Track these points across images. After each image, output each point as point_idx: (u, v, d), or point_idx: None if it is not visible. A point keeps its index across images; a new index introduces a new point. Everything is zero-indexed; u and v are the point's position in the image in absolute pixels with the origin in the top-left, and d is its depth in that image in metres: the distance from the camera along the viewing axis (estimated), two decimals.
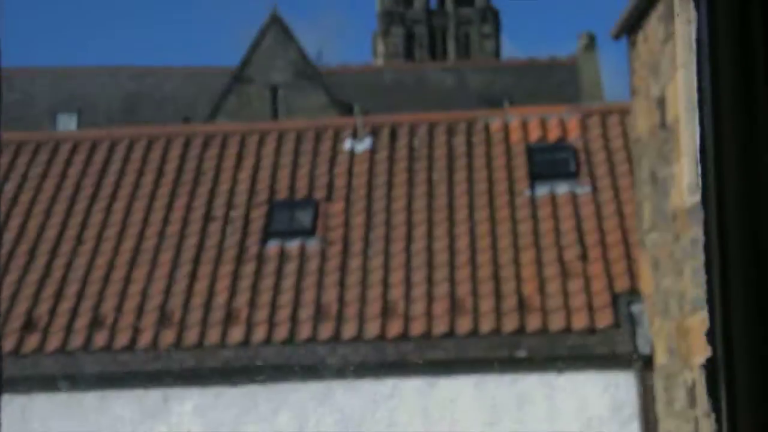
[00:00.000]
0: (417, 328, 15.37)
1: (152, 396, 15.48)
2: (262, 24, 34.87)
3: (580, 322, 15.20)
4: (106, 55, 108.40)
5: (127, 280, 16.49)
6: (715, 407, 1.80)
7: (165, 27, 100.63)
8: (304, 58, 34.69)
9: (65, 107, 40.26)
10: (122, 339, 15.68)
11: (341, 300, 15.78)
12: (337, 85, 37.59)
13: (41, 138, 19.83)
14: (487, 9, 53.01)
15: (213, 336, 15.65)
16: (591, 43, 41.57)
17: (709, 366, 1.82)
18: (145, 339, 15.66)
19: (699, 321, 12.32)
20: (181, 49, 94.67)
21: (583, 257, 16.06)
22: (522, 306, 15.41)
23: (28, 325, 15.99)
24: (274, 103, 34.20)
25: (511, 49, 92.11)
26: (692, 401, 12.87)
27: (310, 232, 16.93)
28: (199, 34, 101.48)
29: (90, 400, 15.55)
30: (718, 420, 1.80)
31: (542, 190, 17.26)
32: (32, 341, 15.82)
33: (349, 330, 15.46)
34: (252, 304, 15.88)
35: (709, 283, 1.84)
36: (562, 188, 17.27)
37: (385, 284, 15.95)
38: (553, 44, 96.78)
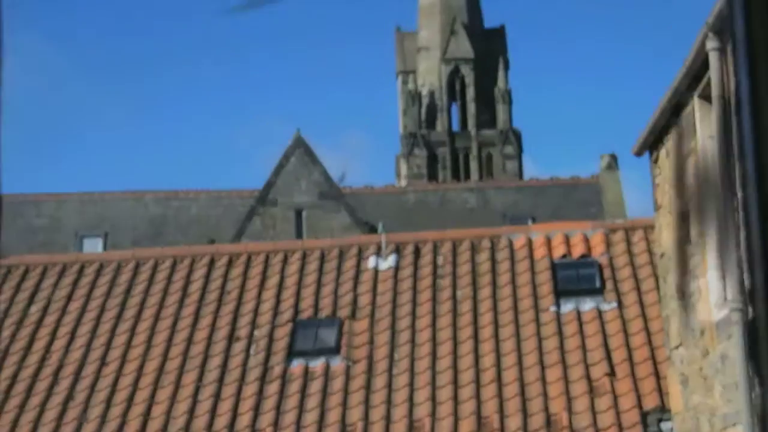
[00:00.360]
0: None
1: None
2: (286, 147, 35.18)
3: None
4: (131, 180, 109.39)
5: (151, 401, 16.39)
6: None
7: (190, 152, 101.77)
8: (328, 180, 34.91)
9: (91, 231, 40.47)
10: None
11: (366, 419, 15.62)
12: (360, 206, 37.76)
13: (67, 260, 19.92)
14: (509, 131, 53.34)
15: None
16: (613, 162, 41.71)
17: None
18: None
19: None
20: (205, 173, 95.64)
21: (611, 374, 15.89)
22: (549, 424, 15.21)
23: None
24: (298, 224, 34.33)
25: (533, 170, 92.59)
26: None
27: (334, 351, 16.84)
28: (224, 158, 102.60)
29: None
30: None
31: (568, 307, 17.16)
32: None
33: None
34: (276, 424, 15.74)
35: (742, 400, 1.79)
36: (588, 304, 17.18)
37: (411, 402, 15.79)
38: (575, 165, 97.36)
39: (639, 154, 15.74)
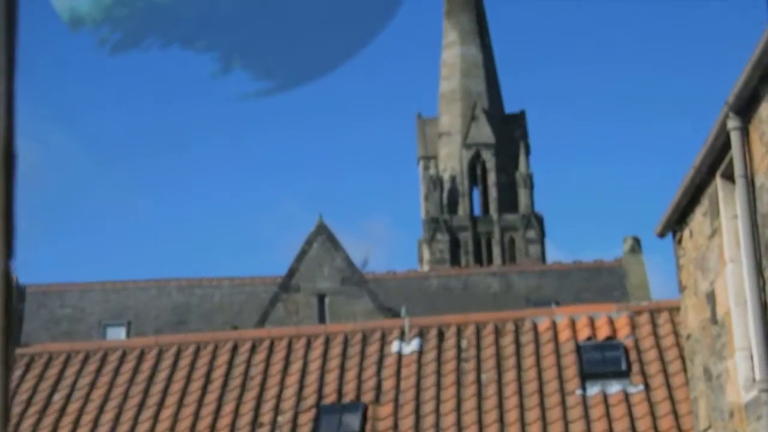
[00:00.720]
0: None
1: None
2: (309, 233, 35.26)
3: None
4: (155, 268, 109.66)
5: None
6: None
7: (212, 238, 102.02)
8: (351, 266, 34.92)
9: (115, 320, 40.53)
10: None
11: None
12: (383, 292, 37.72)
13: (90, 348, 19.89)
14: (531, 215, 53.36)
15: None
16: (636, 245, 41.62)
17: None
18: None
19: None
20: (228, 259, 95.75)
21: None
22: None
23: None
24: (321, 310, 34.30)
25: (556, 254, 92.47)
26: None
27: None
28: (247, 243, 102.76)
29: None
30: None
31: (594, 390, 17.01)
32: None
33: None
34: None
35: None
36: (614, 387, 17.02)
37: None
38: (598, 247, 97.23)
39: (662, 235, 15.70)
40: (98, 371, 18.93)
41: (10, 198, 1.53)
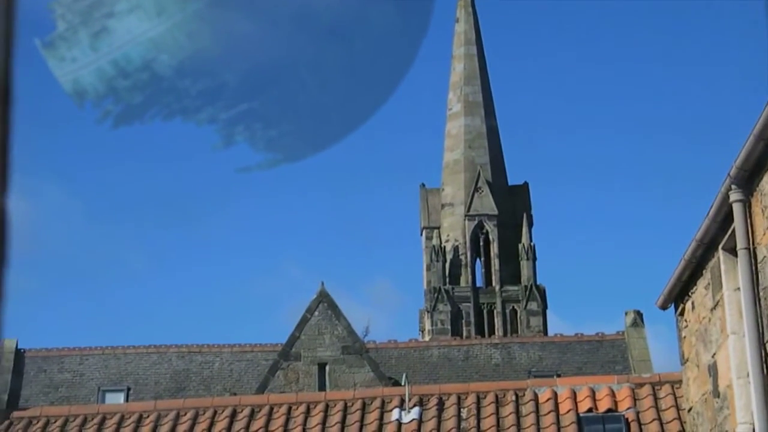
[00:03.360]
0: None
1: None
2: (310, 301, 35.21)
3: None
4: (154, 333, 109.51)
5: None
6: None
7: (213, 303, 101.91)
8: (352, 334, 34.82)
9: (114, 386, 40.39)
10: None
11: None
12: (384, 361, 37.59)
13: (88, 412, 19.80)
14: (533, 287, 53.29)
15: None
16: (638, 319, 41.55)
17: None
18: None
19: None
20: (229, 324, 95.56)
21: None
22: None
23: None
24: (321, 379, 34.15)
25: (558, 326, 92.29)
26: None
27: None
28: (248, 307, 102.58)
29: None
30: None
31: None
32: None
33: None
34: None
35: None
36: None
37: None
38: (601, 319, 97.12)
39: (664, 307, 15.68)
40: None
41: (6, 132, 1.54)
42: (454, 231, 54.94)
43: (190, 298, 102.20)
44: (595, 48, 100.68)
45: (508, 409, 18.18)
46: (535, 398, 18.39)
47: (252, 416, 18.75)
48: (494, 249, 54.07)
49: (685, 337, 15.20)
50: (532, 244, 54.11)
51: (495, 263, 53.94)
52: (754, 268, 11.92)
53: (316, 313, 34.74)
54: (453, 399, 18.57)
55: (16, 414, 19.67)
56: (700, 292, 14.19)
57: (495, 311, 53.07)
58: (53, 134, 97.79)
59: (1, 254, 1.52)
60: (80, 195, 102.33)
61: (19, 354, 41.25)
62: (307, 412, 18.69)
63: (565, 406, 18.10)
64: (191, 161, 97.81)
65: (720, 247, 13.09)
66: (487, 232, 54.46)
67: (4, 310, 1.57)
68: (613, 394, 18.24)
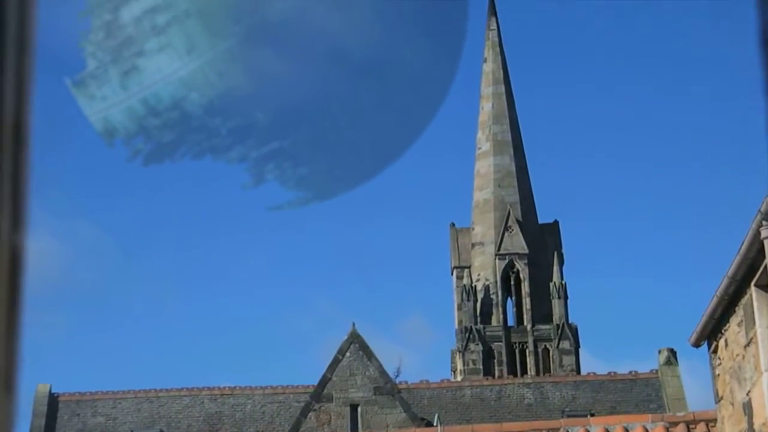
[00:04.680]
0: None
1: None
2: (342, 342, 35.18)
3: None
4: (187, 374, 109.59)
5: None
6: None
7: (244, 344, 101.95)
8: (384, 375, 34.74)
9: (147, 429, 40.44)
10: None
11: None
12: (416, 402, 37.44)
13: None
14: (565, 325, 53.06)
15: None
16: (672, 357, 41.26)
17: None
18: None
19: None
20: (262, 364, 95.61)
21: None
22: None
23: None
24: (353, 420, 34.06)
25: (591, 364, 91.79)
26: None
27: None
28: (282, 346, 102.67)
29: None
30: None
31: None
32: None
33: None
34: None
35: None
36: None
37: None
38: (634, 357, 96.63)
39: (697, 345, 15.57)
40: None
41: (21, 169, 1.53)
42: (484, 270, 54.83)
43: (223, 336, 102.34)
44: (624, 84, 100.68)
45: None
46: None
47: None
48: (525, 288, 53.91)
49: (719, 374, 15.08)
50: (563, 282, 53.93)
51: (526, 302, 53.76)
52: None
53: (348, 353, 34.69)
54: None
55: None
56: (733, 329, 14.09)
57: (527, 350, 52.82)
58: (85, 172, 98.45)
59: (16, 296, 1.52)
60: (113, 232, 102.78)
61: (52, 398, 41.39)
62: None
63: None
64: (222, 198, 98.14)
65: (752, 283, 13.01)
66: (518, 270, 54.32)
67: (20, 353, 1.57)
68: None
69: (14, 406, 1.56)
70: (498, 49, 58.87)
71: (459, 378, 49.24)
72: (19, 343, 1.52)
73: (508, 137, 57.02)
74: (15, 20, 1.55)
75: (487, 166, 56.80)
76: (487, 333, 53.02)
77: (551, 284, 53.75)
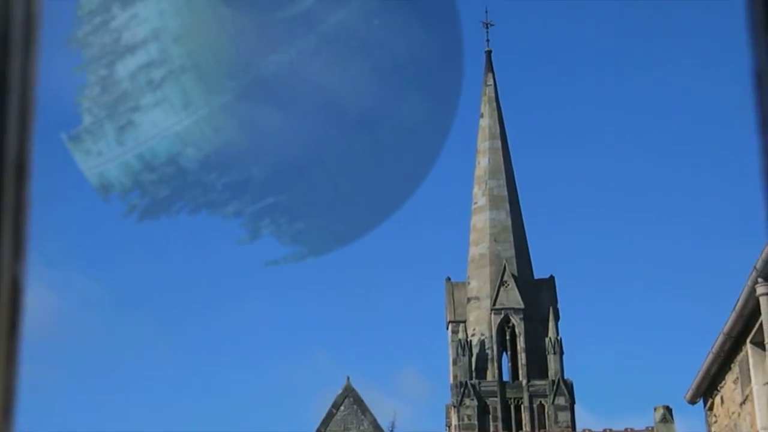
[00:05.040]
0: None
1: None
2: (336, 395, 35.03)
3: None
4: (180, 427, 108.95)
5: None
6: None
7: (240, 398, 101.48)
8: (378, 429, 34.57)
9: None
10: None
11: None
12: None
13: None
14: (560, 381, 52.89)
15: None
16: (668, 414, 41.13)
17: None
18: None
19: None
20: (256, 420, 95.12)
21: None
22: None
23: None
24: None
25: (586, 421, 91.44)
26: None
27: None
28: (275, 400, 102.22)
29: None
30: None
31: None
32: None
33: None
34: None
35: None
36: None
37: None
38: (630, 413, 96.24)
39: (693, 402, 15.52)
40: None
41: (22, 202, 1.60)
42: (480, 325, 54.73)
43: (218, 390, 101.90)
44: (620, 142, 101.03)
45: None
46: None
47: None
48: (521, 343, 53.79)
49: None
50: (559, 337, 53.83)
51: (522, 357, 53.61)
52: None
53: (342, 407, 34.54)
54: None
55: None
56: (729, 386, 14.05)
57: (522, 406, 52.61)
58: (80, 226, 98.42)
59: (16, 323, 1.56)
60: (107, 285, 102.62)
61: None
62: None
63: None
64: (217, 253, 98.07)
65: (748, 340, 12.99)
66: (514, 326, 54.23)
67: (18, 381, 1.60)
68: None
69: None
70: (494, 104, 59.13)
71: None
72: (18, 370, 1.56)
73: (504, 192, 57.13)
74: (18, 68, 1.60)
75: (483, 220, 56.85)
76: (482, 388, 52.81)
77: (547, 340, 53.64)
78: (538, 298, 55.11)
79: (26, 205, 1.57)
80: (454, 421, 51.99)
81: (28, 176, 1.57)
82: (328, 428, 34.54)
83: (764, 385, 12.68)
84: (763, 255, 11.61)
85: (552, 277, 56.45)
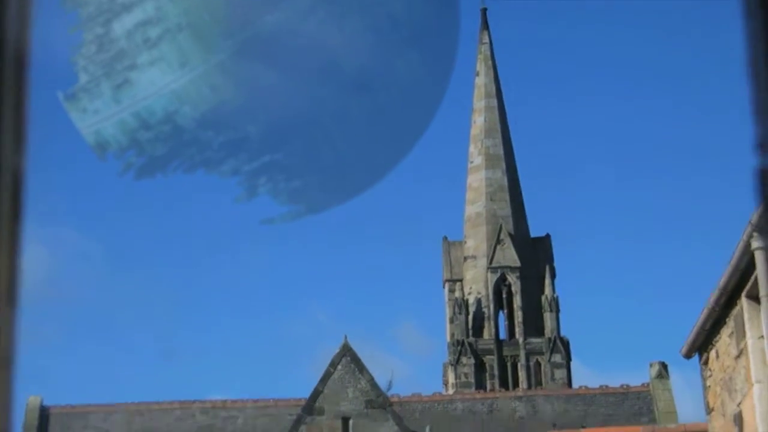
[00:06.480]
0: None
1: None
2: (333, 355, 35.17)
3: None
4: (179, 390, 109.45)
5: None
6: None
7: (237, 355, 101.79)
8: (375, 388, 34.72)
9: None
10: None
11: None
12: (408, 415, 37.38)
13: None
14: (557, 339, 53.11)
15: None
16: (663, 370, 41.31)
17: None
18: None
19: None
20: (254, 377, 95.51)
21: None
22: None
23: None
24: None
25: (582, 378, 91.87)
26: None
27: None
28: (273, 361, 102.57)
29: None
30: None
31: None
32: None
33: None
34: None
35: None
36: None
37: None
38: (626, 370, 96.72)
39: (688, 356, 15.61)
40: None
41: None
42: (476, 283, 54.89)
43: (215, 348, 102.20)
44: (617, 99, 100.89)
45: None
46: None
47: None
48: (517, 301, 53.97)
49: (709, 386, 15.11)
50: (555, 295, 54.00)
51: (518, 315, 53.81)
52: None
53: (339, 366, 34.68)
54: None
55: None
56: (724, 340, 14.13)
57: (519, 364, 52.85)
58: (75, 184, 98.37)
59: (18, 213, 1.62)
60: (103, 243, 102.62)
61: (43, 411, 41.29)
62: None
63: None
64: (214, 212, 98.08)
65: (743, 294, 13.06)
66: (510, 284, 54.37)
67: (21, 259, 1.66)
68: None
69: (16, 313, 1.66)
70: (490, 62, 58.99)
71: (451, 391, 49.22)
72: (22, 255, 1.62)
73: (500, 151, 57.12)
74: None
75: (479, 179, 56.87)
76: (479, 346, 53.02)
77: (543, 298, 53.82)
78: (535, 257, 55.24)
79: (26, 98, 1.62)
80: (451, 379, 52.23)
81: (28, 66, 1.62)
82: (325, 387, 34.68)
83: (759, 338, 12.76)
84: (759, 208, 11.65)
85: (548, 236, 56.55)
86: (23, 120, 1.66)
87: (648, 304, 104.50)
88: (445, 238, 56.90)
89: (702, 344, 15.03)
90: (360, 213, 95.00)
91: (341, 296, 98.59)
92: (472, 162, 57.55)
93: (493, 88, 58.40)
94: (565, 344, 52.96)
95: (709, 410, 15.30)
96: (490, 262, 54.57)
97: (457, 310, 53.85)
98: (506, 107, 58.56)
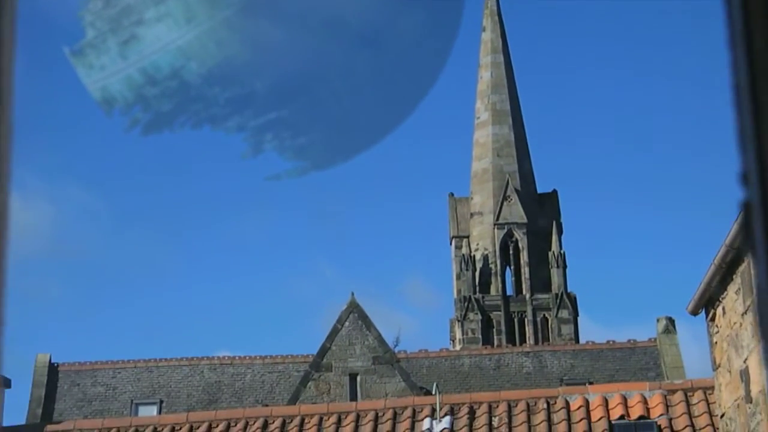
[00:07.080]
0: None
1: None
2: (341, 311, 35.26)
3: None
4: (187, 347, 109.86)
5: None
6: None
7: (245, 317, 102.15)
8: (383, 344, 34.83)
9: (147, 399, 40.59)
10: None
11: None
12: (415, 371, 37.56)
13: (121, 425, 19.89)
14: (563, 295, 53.17)
15: None
16: (670, 326, 41.38)
17: None
18: None
19: None
20: (262, 334, 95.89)
21: None
22: None
23: None
24: (352, 389, 34.17)
25: (589, 333, 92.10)
26: None
27: None
28: (281, 317, 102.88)
29: None
30: None
31: None
32: None
33: None
34: None
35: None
36: None
37: None
38: (633, 325, 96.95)
39: (695, 313, 15.62)
40: None
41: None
42: (483, 240, 54.90)
43: (223, 305, 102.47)
44: (623, 56, 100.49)
45: (539, 417, 18.15)
46: (567, 406, 18.34)
47: (283, 427, 18.79)
48: (524, 257, 54.00)
49: (716, 342, 15.13)
50: (562, 251, 54.01)
51: (525, 271, 53.86)
52: None
53: (347, 323, 34.77)
54: (484, 408, 18.55)
55: (50, 428, 19.77)
56: (731, 297, 14.14)
57: (526, 319, 52.97)
58: (81, 140, 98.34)
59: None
60: (108, 200, 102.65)
61: (52, 368, 41.52)
62: (339, 423, 18.71)
63: (597, 413, 18.05)
64: (220, 168, 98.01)
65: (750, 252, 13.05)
66: (517, 240, 54.39)
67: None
68: (645, 401, 18.18)
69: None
70: (497, 18, 58.71)
71: (458, 347, 49.37)
72: (12, 145, 1.61)
73: (507, 106, 56.96)
74: None
75: (485, 135, 56.77)
76: (486, 302, 53.14)
77: (550, 254, 53.85)
78: (541, 213, 55.22)
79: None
80: (458, 334, 52.39)
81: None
82: (333, 344, 34.80)
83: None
84: (740, 238, 11.62)
85: (555, 192, 56.50)
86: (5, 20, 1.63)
87: (655, 260, 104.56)
88: (452, 194, 56.87)
89: (708, 301, 15.03)
90: (366, 169, 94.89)
91: (348, 253, 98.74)
92: (478, 118, 57.42)
93: (500, 44, 58.16)
94: (572, 300, 53.05)
95: (715, 366, 15.33)
96: (497, 218, 54.56)
97: (463, 266, 53.92)
98: (513, 63, 58.38)
